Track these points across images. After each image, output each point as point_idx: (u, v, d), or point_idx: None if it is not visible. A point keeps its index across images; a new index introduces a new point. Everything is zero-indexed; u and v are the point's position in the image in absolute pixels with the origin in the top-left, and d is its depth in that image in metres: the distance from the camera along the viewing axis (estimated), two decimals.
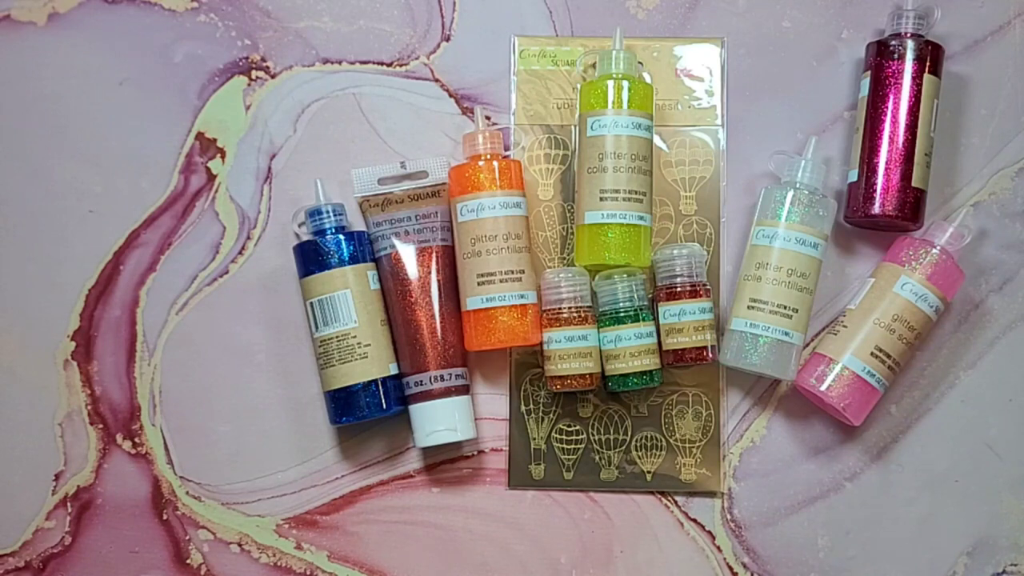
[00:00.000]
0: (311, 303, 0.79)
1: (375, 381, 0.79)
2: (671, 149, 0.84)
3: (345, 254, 0.79)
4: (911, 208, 0.80)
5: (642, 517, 0.83)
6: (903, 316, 0.79)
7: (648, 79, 0.84)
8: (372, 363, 0.78)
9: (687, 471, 0.83)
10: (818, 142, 0.81)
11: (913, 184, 0.80)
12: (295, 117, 0.85)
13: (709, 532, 0.83)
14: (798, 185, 0.80)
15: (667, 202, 0.84)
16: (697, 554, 0.83)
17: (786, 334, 0.78)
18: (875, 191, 0.80)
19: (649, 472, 0.83)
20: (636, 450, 0.83)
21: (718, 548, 0.83)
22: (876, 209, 0.80)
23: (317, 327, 0.79)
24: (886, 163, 0.80)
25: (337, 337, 0.78)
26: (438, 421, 0.79)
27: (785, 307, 0.78)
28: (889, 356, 0.79)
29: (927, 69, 0.80)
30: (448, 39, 0.86)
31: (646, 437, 0.83)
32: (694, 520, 0.83)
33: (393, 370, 0.80)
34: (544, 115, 0.84)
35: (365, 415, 0.78)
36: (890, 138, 0.80)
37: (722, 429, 0.83)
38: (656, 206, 0.83)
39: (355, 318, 0.78)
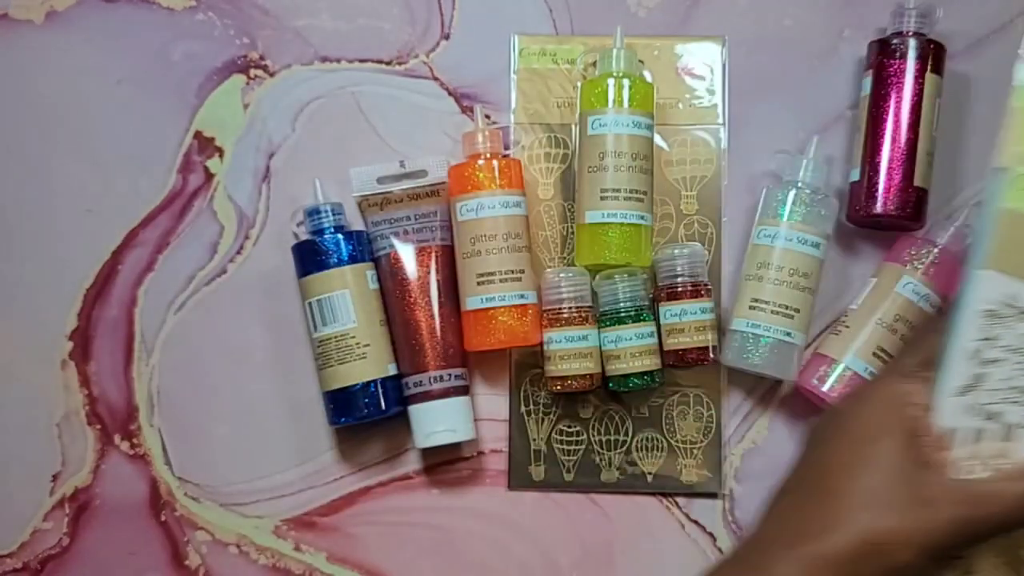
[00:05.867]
0: (310, 303, 0.79)
1: (374, 381, 0.78)
2: (672, 148, 0.84)
3: (344, 254, 0.79)
4: (914, 207, 0.80)
5: (643, 518, 0.83)
6: (905, 316, 0.78)
7: (649, 78, 0.84)
8: (371, 363, 0.78)
9: (688, 472, 0.82)
10: (820, 141, 0.81)
11: (915, 183, 0.80)
12: (294, 116, 0.84)
13: (711, 534, 0.83)
14: (800, 184, 0.79)
15: (668, 201, 0.83)
16: (698, 556, 0.83)
17: (788, 334, 0.78)
18: (877, 190, 0.80)
19: (650, 473, 0.82)
20: (637, 451, 0.82)
21: (719, 550, 0.83)
22: (878, 208, 0.80)
23: (316, 327, 0.79)
24: (888, 162, 0.80)
25: (336, 337, 0.78)
26: (438, 422, 0.79)
27: (787, 307, 0.78)
28: (891, 356, 0.78)
29: (929, 68, 0.80)
30: (447, 37, 0.85)
31: (647, 438, 0.82)
32: (695, 522, 0.83)
33: (392, 370, 0.79)
34: (544, 114, 0.84)
35: (364, 416, 0.78)
36: (892, 137, 0.80)
37: (723, 430, 0.82)
38: (657, 205, 0.83)
39: (354, 318, 0.78)
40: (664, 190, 0.83)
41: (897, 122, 0.80)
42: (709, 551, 0.83)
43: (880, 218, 0.80)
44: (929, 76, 0.80)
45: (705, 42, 0.85)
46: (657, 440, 0.82)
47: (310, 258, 0.79)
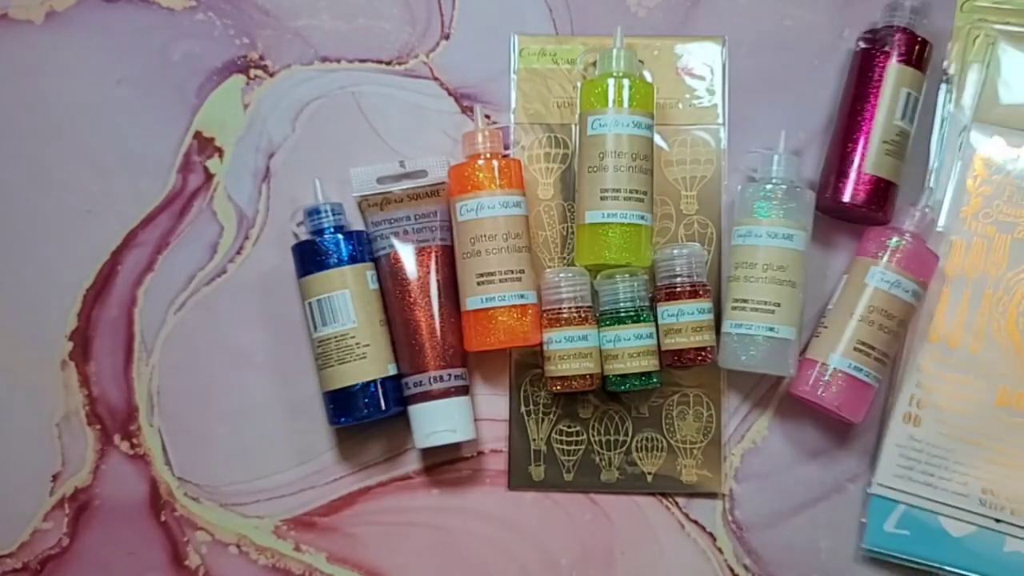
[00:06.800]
0: (310, 303, 0.79)
1: (374, 382, 0.78)
2: (672, 148, 0.84)
3: (344, 254, 0.79)
4: (869, 195, 0.80)
5: (643, 518, 0.83)
6: (879, 307, 0.78)
7: (649, 78, 0.84)
8: (371, 363, 0.78)
9: (688, 472, 0.82)
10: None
11: (866, 170, 0.80)
12: (294, 116, 0.84)
13: (710, 534, 0.83)
14: (773, 180, 0.79)
15: (668, 201, 0.83)
16: (698, 556, 0.83)
17: (771, 329, 0.77)
18: (832, 177, 0.81)
19: (650, 473, 0.82)
20: (637, 451, 0.82)
21: (719, 550, 0.83)
22: (828, 193, 0.81)
23: (316, 327, 0.79)
24: (841, 149, 0.81)
25: (336, 337, 0.78)
26: (438, 422, 0.78)
27: (766, 303, 0.78)
28: (873, 348, 0.78)
29: (898, 58, 0.80)
30: (447, 37, 0.85)
31: (647, 438, 0.82)
32: (695, 522, 0.83)
33: (392, 370, 0.79)
34: (544, 114, 0.84)
35: (364, 416, 0.78)
36: (848, 124, 0.81)
37: (723, 430, 0.82)
38: (657, 205, 0.83)
39: (354, 318, 0.78)
40: (664, 190, 0.83)
41: (856, 110, 0.80)
42: (709, 551, 0.83)
43: (840, 207, 0.81)
44: (895, 66, 0.80)
45: (705, 42, 0.85)
46: (657, 440, 0.82)
47: (310, 258, 0.79)
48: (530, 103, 0.84)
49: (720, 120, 0.84)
